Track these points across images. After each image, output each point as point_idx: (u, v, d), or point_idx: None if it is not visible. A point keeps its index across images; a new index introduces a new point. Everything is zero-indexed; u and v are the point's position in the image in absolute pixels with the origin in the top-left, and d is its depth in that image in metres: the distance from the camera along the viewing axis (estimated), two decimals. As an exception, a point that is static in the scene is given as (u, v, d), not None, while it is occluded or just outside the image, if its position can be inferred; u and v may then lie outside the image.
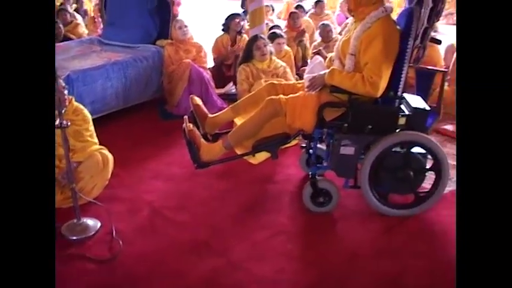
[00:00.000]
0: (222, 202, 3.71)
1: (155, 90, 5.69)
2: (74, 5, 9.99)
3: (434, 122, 5.18)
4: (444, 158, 3.36)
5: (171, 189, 3.92)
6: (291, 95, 3.38)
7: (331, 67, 3.35)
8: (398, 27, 3.26)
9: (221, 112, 3.75)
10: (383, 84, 3.15)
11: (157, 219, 3.49)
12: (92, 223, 3.35)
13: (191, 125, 3.40)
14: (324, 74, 3.27)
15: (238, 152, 3.48)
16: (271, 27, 6.51)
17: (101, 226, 3.34)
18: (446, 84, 5.68)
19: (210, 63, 6.25)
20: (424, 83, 5.46)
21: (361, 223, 3.45)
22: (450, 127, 5.22)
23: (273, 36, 5.70)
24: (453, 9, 12.53)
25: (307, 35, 7.00)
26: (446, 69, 5.70)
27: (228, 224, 3.44)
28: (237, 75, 5.06)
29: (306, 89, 3.36)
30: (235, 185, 3.96)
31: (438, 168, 3.39)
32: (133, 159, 4.36)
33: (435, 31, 8.67)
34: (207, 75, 5.57)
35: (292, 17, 7.09)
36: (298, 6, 8.61)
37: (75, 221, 3.32)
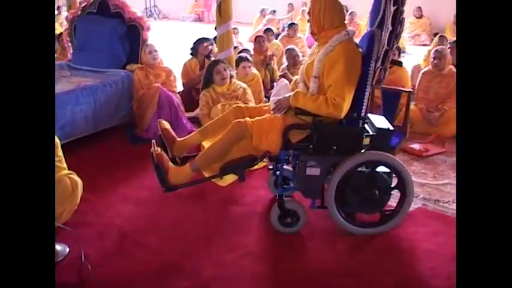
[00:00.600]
0: (192, 224, 3.72)
1: (125, 115, 5.67)
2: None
3: (401, 142, 5.30)
4: (408, 176, 3.43)
5: (140, 213, 3.92)
6: (257, 118, 3.43)
7: (296, 90, 3.42)
8: (360, 49, 3.35)
9: (189, 136, 3.79)
10: (346, 105, 3.22)
11: (126, 243, 3.48)
12: (61, 248, 3.32)
13: (159, 149, 3.43)
14: (289, 96, 3.34)
15: (206, 174, 3.52)
16: (240, 51, 6.56)
17: (69, 251, 3.32)
18: (412, 103, 5.82)
19: (180, 87, 6.27)
20: (390, 103, 5.59)
21: (329, 242, 3.48)
22: (417, 146, 5.31)
23: (239, 60, 5.76)
24: (419, 31, 12.83)
25: (275, 58, 7.08)
26: (411, 90, 5.83)
27: (198, 246, 3.44)
28: (199, 102, 5.12)
29: (271, 112, 3.42)
30: (205, 207, 3.98)
31: (403, 186, 3.46)
32: (103, 183, 4.35)
33: (403, 52, 8.90)
34: (177, 99, 5.58)
35: (258, 41, 7.14)
36: (267, 30, 8.63)
37: (43, 246, 3.29)
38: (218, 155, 3.42)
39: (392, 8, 3.13)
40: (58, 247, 3.33)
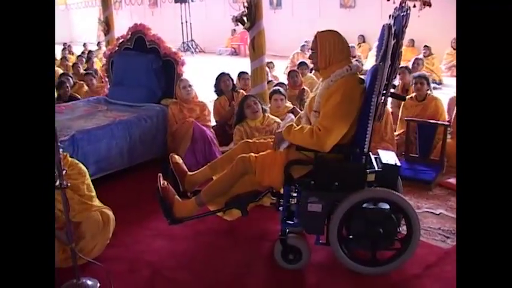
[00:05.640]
0: (223, 260, 3.68)
1: (159, 149, 5.74)
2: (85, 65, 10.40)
3: (437, 176, 5.14)
4: (413, 213, 3.28)
5: (171, 248, 3.90)
6: (261, 153, 3.44)
7: (288, 124, 3.38)
8: (363, 84, 3.30)
9: (199, 170, 3.83)
10: (332, 138, 3.14)
11: (157, 279, 3.48)
12: (91, 283, 3.35)
13: (165, 182, 3.50)
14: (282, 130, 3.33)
15: (211, 208, 3.55)
16: (276, 85, 6.51)
17: (100, 286, 3.34)
18: (449, 137, 5.63)
19: (214, 121, 6.35)
20: (426, 137, 5.45)
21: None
22: (453, 180, 5.09)
23: (272, 93, 5.75)
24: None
25: (309, 92, 6.98)
26: (448, 123, 5.66)
27: (228, 283, 3.41)
28: (233, 136, 5.15)
29: (272, 147, 3.42)
30: (236, 243, 3.93)
31: (408, 224, 3.31)
32: (135, 218, 4.40)
33: (440, 83, 8.62)
34: (210, 133, 5.65)
35: (292, 76, 7.05)
36: (301, 64, 8.38)
37: (74, 281, 3.31)
38: (222, 189, 3.46)
39: (393, 42, 3.07)
40: (89, 282, 3.36)
